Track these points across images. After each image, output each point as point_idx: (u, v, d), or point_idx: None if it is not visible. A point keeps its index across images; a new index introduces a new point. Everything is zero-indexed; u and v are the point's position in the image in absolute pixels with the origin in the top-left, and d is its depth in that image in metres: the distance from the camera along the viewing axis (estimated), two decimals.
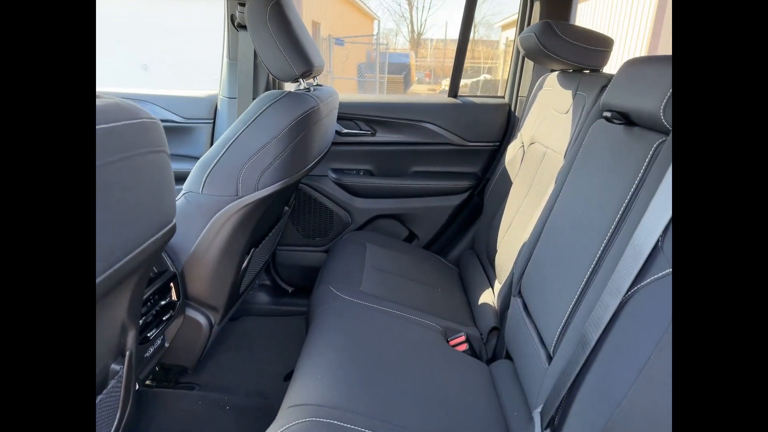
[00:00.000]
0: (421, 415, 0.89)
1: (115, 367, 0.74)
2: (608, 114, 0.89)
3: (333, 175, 1.77)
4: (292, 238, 1.81)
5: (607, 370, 0.64)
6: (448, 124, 1.77)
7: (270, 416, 0.84)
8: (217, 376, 1.41)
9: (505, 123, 1.81)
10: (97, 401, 0.69)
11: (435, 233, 1.85)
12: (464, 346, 1.19)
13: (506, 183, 1.55)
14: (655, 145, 0.75)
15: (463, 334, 1.21)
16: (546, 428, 0.76)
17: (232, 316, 1.68)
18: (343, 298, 1.24)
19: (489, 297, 1.38)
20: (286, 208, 1.60)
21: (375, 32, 16.40)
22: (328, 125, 1.36)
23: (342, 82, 12.29)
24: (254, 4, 1.11)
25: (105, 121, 0.50)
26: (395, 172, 1.82)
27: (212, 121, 1.79)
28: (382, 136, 1.78)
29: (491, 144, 1.81)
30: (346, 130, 1.75)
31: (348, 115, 1.74)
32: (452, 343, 1.19)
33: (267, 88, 1.65)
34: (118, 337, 0.74)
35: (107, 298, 0.64)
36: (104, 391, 0.71)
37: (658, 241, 0.59)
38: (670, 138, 0.71)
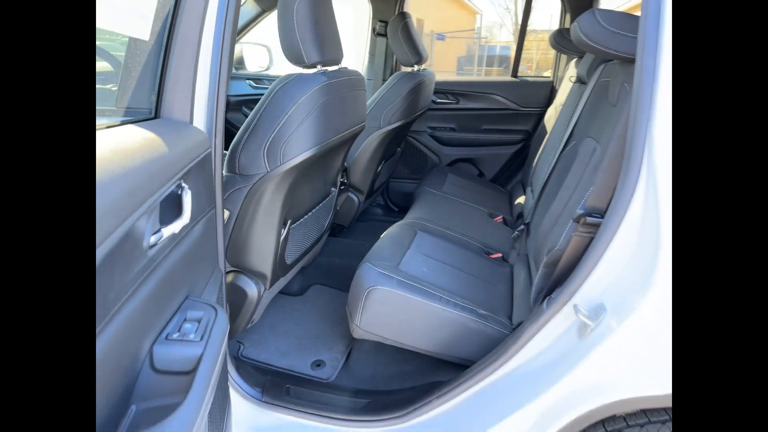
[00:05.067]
0: (462, 287, 1.78)
1: (332, 189, 1.74)
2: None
3: (429, 131, 2.70)
4: (400, 173, 2.78)
5: None
6: (509, 95, 2.60)
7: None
8: (349, 236, 2.41)
9: (548, 94, 2.59)
10: (328, 197, 1.68)
11: (497, 171, 2.70)
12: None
13: (544, 134, 2.34)
14: None
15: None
16: None
17: (361, 219, 2.69)
18: (430, 194, 2.15)
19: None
20: (399, 149, 2.55)
21: (477, 26, 16.96)
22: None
23: (441, 75, 13.07)
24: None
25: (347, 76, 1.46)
26: (471, 129, 2.69)
27: None
28: (464, 104, 2.66)
29: (538, 109, 2.60)
30: (439, 100, 2.66)
31: (442, 89, 2.65)
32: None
33: (392, 72, 2.62)
34: (336, 174, 1.73)
35: (336, 155, 1.61)
36: (327, 198, 1.69)
37: None
38: None
